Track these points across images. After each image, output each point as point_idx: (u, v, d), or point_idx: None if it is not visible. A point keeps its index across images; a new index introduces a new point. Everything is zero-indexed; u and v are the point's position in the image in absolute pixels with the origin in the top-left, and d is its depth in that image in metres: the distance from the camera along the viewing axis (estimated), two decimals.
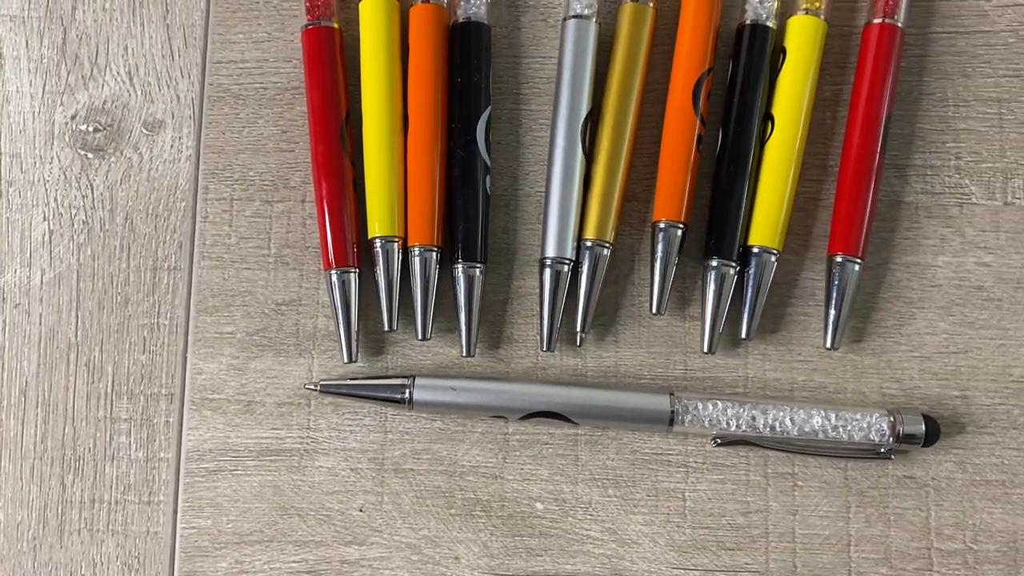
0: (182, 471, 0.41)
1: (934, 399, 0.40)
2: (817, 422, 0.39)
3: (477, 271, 0.40)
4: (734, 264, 0.40)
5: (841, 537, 0.40)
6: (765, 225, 0.40)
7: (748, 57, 0.41)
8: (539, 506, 0.40)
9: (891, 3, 0.41)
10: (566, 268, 0.40)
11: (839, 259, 0.40)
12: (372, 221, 0.41)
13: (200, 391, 0.41)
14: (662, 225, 0.40)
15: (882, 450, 0.39)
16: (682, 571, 0.40)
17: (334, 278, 0.40)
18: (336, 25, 0.42)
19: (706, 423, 0.39)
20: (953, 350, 0.41)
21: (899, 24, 0.41)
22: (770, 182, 0.40)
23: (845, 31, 0.43)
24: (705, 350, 0.40)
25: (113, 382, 0.42)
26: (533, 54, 0.43)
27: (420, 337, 0.40)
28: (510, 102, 0.43)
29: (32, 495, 0.41)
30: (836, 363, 0.41)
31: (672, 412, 0.39)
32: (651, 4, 0.42)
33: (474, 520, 0.40)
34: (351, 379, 0.41)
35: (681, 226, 0.40)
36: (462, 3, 0.42)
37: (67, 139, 0.43)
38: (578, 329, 0.41)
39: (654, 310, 0.40)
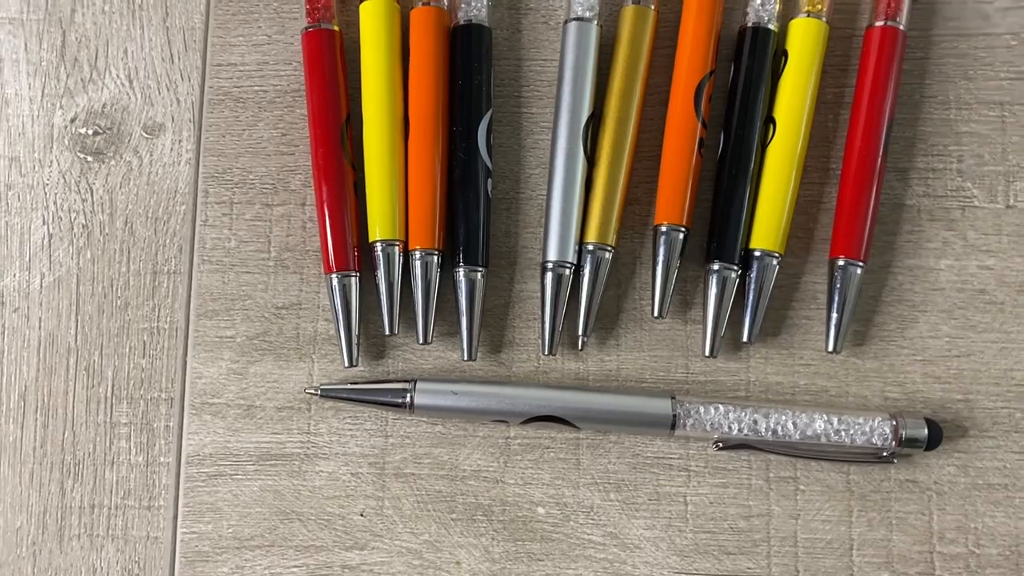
0: (182, 476, 0.41)
1: (936, 403, 0.40)
2: (819, 426, 0.39)
3: (478, 275, 0.40)
4: (736, 267, 0.40)
5: (843, 541, 0.40)
6: (767, 228, 0.40)
7: (750, 60, 0.41)
8: (541, 510, 0.40)
9: (893, 6, 0.41)
10: (568, 272, 0.40)
11: (841, 262, 0.40)
12: (373, 224, 0.40)
13: (200, 395, 0.41)
14: (664, 228, 0.40)
15: (884, 454, 0.39)
16: None
17: (335, 282, 0.40)
18: (336, 27, 0.42)
19: (708, 427, 0.39)
20: (955, 353, 0.41)
21: (901, 27, 0.41)
22: (772, 185, 0.40)
23: (847, 33, 0.43)
24: (707, 354, 0.40)
25: (113, 386, 0.42)
26: (534, 57, 0.43)
27: (421, 341, 0.40)
28: (511, 105, 0.43)
29: (31, 500, 0.41)
30: (838, 367, 0.41)
31: (674, 416, 0.39)
32: (652, 7, 0.41)
33: (475, 525, 0.40)
34: (352, 383, 0.40)
35: (683, 229, 0.40)
36: (463, 5, 0.42)
37: (66, 142, 0.43)
38: (580, 333, 0.40)
39: (656, 314, 0.40)
